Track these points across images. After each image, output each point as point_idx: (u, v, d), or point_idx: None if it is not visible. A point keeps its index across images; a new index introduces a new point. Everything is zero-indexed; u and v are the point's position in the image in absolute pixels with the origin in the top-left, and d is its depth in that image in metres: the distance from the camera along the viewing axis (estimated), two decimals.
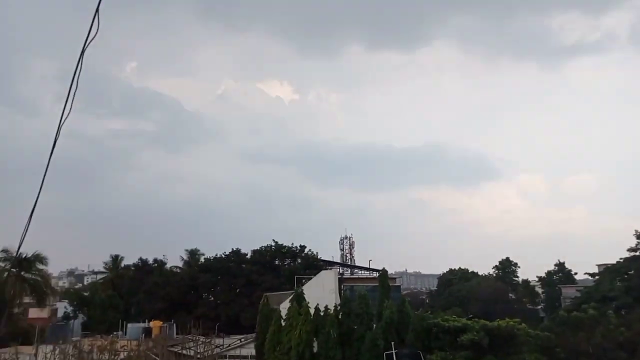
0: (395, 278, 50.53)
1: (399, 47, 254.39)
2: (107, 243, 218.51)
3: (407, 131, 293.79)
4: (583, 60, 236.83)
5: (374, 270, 57.64)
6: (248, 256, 64.37)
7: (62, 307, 65.90)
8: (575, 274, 73.15)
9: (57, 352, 24.34)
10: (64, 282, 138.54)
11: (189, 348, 31.56)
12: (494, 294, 60.73)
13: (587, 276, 56.72)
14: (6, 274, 47.50)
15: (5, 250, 48.82)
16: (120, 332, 46.09)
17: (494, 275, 78.42)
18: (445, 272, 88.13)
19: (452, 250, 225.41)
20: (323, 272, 44.40)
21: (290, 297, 31.57)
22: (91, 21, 4.68)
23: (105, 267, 71.11)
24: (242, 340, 38.60)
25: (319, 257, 64.06)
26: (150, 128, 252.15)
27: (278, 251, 64.59)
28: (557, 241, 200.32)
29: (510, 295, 69.49)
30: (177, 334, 44.86)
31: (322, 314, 29.35)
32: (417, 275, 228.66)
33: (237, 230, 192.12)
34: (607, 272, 49.26)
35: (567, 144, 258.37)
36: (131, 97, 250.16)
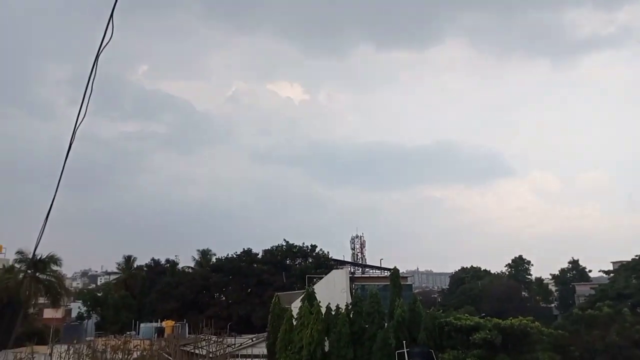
0: (406, 277, 50.33)
1: (408, 46, 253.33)
2: (120, 244, 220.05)
3: (418, 130, 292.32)
4: (596, 55, 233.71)
5: (385, 269, 57.59)
6: (259, 256, 64.57)
7: (76, 307, 66.72)
8: (590, 271, 72.57)
9: (71, 351, 24.60)
10: (78, 283, 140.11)
11: (201, 347, 31.75)
12: (507, 292, 60.34)
13: (601, 274, 56.27)
14: (22, 275, 48.25)
15: (20, 252, 49.70)
16: (133, 332, 46.55)
17: (507, 273, 77.94)
18: (457, 270, 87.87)
19: (464, 248, 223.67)
20: (334, 271, 44.39)
21: (301, 297, 31.59)
22: (105, 26, 4.73)
23: (118, 268, 71.85)
24: (254, 339, 38.75)
25: (330, 256, 64.09)
26: (162, 130, 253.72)
27: (289, 251, 64.71)
28: (571, 238, 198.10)
29: (523, 293, 69.03)
30: (189, 333, 45.24)
31: (333, 313, 29.34)
32: (429, 274, 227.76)
33: (248, 230, 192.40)
34: (623, 269, 48.73)
35: (580, 140, 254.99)
36: (143, 100, 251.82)
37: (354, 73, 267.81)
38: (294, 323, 29.11)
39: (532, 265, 78.92)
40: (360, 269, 64.20)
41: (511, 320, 28.22)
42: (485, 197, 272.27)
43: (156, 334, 42.05)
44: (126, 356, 24.29)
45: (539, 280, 76.37)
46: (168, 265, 68.96)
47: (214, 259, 69.66)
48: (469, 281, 75.74)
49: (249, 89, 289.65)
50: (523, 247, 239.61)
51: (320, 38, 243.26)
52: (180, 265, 70.17)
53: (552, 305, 72.15)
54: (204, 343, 32.49)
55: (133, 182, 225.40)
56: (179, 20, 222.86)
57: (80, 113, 5.20)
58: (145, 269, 69.44)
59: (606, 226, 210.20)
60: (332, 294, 32.84)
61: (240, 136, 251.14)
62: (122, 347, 25.21)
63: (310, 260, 63.34)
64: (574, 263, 73.41)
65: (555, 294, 73.81)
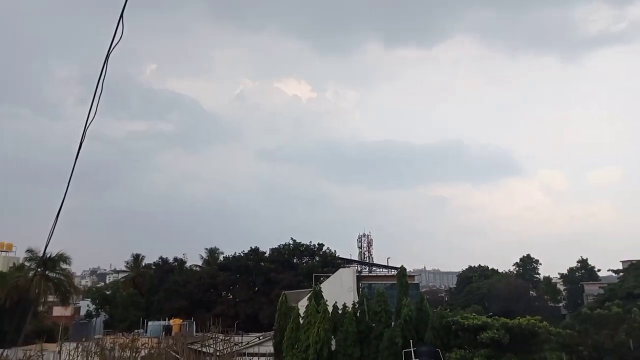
0: (413, 276, 50.16)
1: (416, 43, 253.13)
2: (128, 242, 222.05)
3: (426, 128, 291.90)
4: (607, 51, 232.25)
5: (392, 267, 57.46)
6: (266, 254, 64.74)
7: (85, 305, 67.24)
8: (599, 270, 71.92)
9: (80, 349, 24.84)
10: (87, 281, 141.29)
11: (209, 346, 31.88)
12: (515, 291, 60.00)
13: (610, 273, 55.83)
14: (32, 273, 48.72)
15: (30, 251, 50.21)
16: (141, 330, 46.87)
17: (515, 272, 77.50)
18: (464, 269, 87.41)
19: (472, 247, 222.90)
20: (341, 269, 44.42)
21: (308, 295, 31.63)
22: (115, 26, 4.75)
23: (126, 266, 72.39)
24: (261, 338, 38.85)
25: (337, 255, 64.14)
26: (169, 129, 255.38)
27: (296, 249, 64.82)
28: (579, 237, 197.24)
29: (531, 292, 68.57)
30: (196, 331, 45.44)
31: (340, 311, 29.36)
32: (436, 272, 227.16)
33: (256, 229, 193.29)
34: (632, 268, 48.31)
35: (589, 137, 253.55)
36: (151, 99, 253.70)
37: (361, 71, 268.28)
38: (301, 322, 29.15)
39: (540, 264, 78.58)
40: (367, 268, 64.13)
41: (519, 319, 28.07)
42: (493, 195, 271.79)
43: (164, 332, 42.37)
44: (134, 354, 24.47)
45: (547, 279, 75.83)
46: (176, 263, 69.32)
47: (221, 258, 69.97)
48: (476, 280, 75.39)
49: (255, 87, 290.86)
50: (531, 246, 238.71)
51: (327, 36, 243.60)
52: (188, 264, 70.61)
53: (561, 304, 71.63)
54: (211, 341, 32.64)
55: (141, 181, 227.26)
56: (187, 20, 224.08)
57: (91, 113, 5.22)
58: (153, 267, 69.87)
59: (615, 225, 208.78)
60: (339, 293, 32.88)
61: (247, 134, 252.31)
62: (130, 345, 25.42)
63: (317, 259, 63.41)
64: (583, 262, 72.81)
65: (564, 293, 73.23)
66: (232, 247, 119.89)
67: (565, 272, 73.87)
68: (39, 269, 46.53)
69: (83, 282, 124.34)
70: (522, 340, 27.40)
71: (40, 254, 48.21)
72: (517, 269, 78.24)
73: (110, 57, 5.00)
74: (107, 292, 68.27)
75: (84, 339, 28.11)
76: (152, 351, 27.23)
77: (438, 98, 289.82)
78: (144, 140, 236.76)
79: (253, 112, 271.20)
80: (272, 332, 35.73)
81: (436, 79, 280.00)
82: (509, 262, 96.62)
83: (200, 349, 31.41)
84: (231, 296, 63.47)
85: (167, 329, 45.08)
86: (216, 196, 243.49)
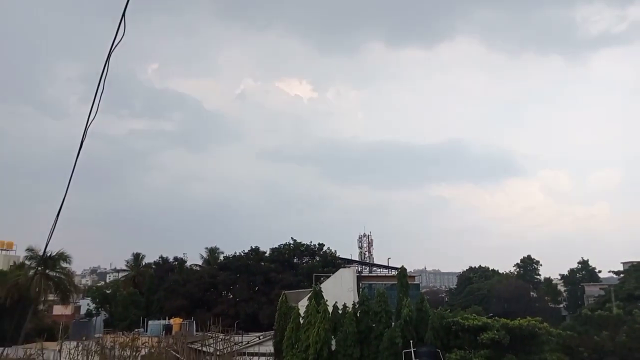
0: (414, 276, 50.07)
1: (419, 43, 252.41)
2: (129, 242, 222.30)
3: (428, 128, 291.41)
4: (609, 52, 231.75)
5: (392, 268, 57.44)
6: (267, 254, 64.76)
7: (85, 304, 67.28)
8: (599, 272, 71.91)
9: (80, 348, 24.84)
10: (87, 280, 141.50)
11: (209, 345, 31.90)
12: (515, 292, 59.95)
13: (611, 274, 55.80)
14: (32, 272, 48.75)
15: (30, 249, 50.22)
16: (141, 329, 46.89)
17: (515, 273, 77.47)
18: (465, 270, 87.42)
19: (472, 248, 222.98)
20: (341, 270, 44.38)
21: (308, 295, 31.62)
22: (118, 25, 4.73)
23: (127, 265, 72.48)
24: (261, 337, 38.86)
25: (337, 255, 64.11)
26: (171, 128, 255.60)
27: (296, 249, 64.82)
28: (580, 238, 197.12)
29: (531, 293, 68.50)
30: (196, 331, 45.46)
31: (340, 312, 29.35)
32: (437, 273, 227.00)
33: (256, 229, 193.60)
34: (633, 269, 48.30)
35: (591, 138, 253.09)
36: (153, 98, 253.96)
37: (364, 70, 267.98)
38: (301, 321, 29.15)
39: (541, 265, 78.58)
40: (368, 268, 64.06)
41: (519, 320, 28.04)
42: (494, 196, 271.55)
43: (164, 332, 42.40)
44: (134, 353, 24.46)
45: (548, 280, 75.82)
46: (176, 263, 69.37)
47: (221, 257, 70.02)
48: (476, 281, 75.41)
49: (257, 87, 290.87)
50: (532, 247, 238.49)
51: (329, 35, 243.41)
52: (188, 263, 70.69)
53: (561, 305, 71.58)
54: (211, 341, 32.66)
55: (142, 180, 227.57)
56: (189, 19, 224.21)
57: (92, 111, 5.21)
58: (153, 266, 69.91)
59: (616, 226, 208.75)
60: (339, 293, 32.86)
61: (249, 134, 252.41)
62: (130, 344, 25.42)
63: (318, 259, 63.40)
64: (584, 263, 72.76)
65: (564, 294, 73.20)
66: (232, 246, 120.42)
67: (565, 273, 73.81)
68: (40, 268, 46.56)
69: (83, 281, 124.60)
70: (523, 341, 27.37)
71: (41, 253, 48.29)
72: (517, 269, 78.22)
73: (112, 56, 5.00)
74: (108, 291, 68.35)
75: (84, 338, 28.10)
76: (152, 350, 27.23)
77: (440, 98, 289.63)
78: (145, 139, 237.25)
79: (254, 112, 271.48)
80: (272, 332, 35.75)
81: (438, 79, 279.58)
82: (509, 262, 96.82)
83: (200, 348, 31.44)
84: (231, 296, 63.47)
85: (167, 328, 45.12)
86: (217, 195, 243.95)
